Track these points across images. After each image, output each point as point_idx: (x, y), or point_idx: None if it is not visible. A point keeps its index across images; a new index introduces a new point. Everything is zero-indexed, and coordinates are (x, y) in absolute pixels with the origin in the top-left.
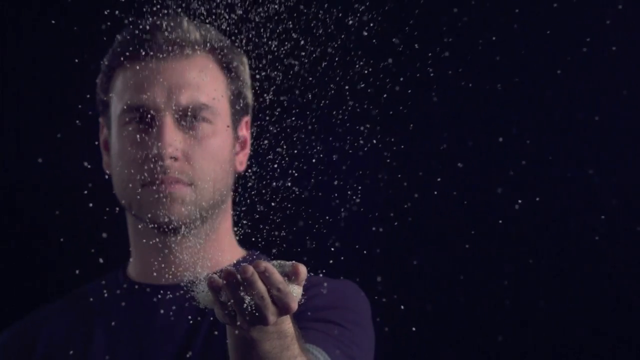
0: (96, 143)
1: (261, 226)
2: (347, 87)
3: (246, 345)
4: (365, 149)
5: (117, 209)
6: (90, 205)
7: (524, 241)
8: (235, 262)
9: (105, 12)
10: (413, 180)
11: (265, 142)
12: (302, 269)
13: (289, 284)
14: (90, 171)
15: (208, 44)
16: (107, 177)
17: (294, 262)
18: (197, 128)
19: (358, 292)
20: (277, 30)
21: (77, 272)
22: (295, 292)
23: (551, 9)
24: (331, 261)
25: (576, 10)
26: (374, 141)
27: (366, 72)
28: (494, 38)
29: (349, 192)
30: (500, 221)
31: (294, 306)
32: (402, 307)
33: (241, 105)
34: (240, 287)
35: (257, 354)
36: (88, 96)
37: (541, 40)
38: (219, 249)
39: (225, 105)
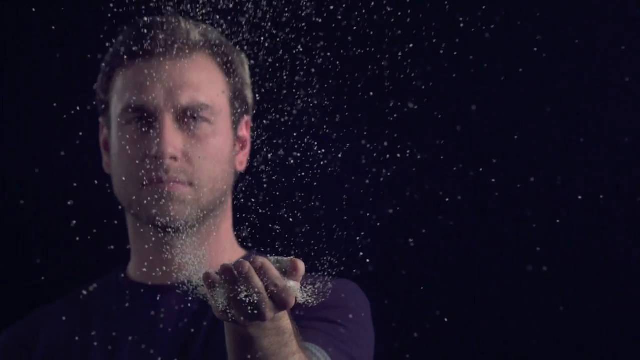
0: (83, 134)
1: (261, 226)
2: (350, 89)
3: (244, 342)
4: (369, 148)
5: (117, 209)
6: (90, 205)
7: (532, 245)
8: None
9: (105, 12)
10: (415, 180)
11: (266, 142)
12: (300, 265)
13: (286, 280)
14: (90, 171)
15: (208, 44)
16: (107, 177)
17: (292, 257)
18: (197, 128)
19: (358, 292)
20: (278, 30)
21: (77, 272)
22: (293, 288)
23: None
24: (331, 261)
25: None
26: (378, 142)
27: (373, 73)
28: (534, 47)
29: (350, 193)
30: (502, 221)
31: (292, 302)
32: (403, 308)
33: (241, 105)
34: (238, 283)
35: (255, 351)
36: (87, 96)
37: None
38: (219, 248)
39: (225, 105)
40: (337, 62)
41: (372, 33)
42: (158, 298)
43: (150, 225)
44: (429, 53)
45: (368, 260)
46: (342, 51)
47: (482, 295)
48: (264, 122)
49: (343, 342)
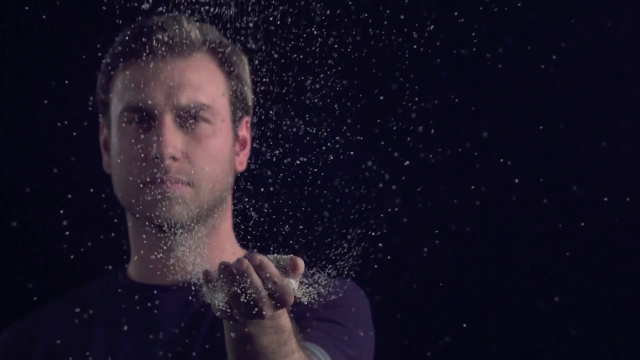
0: (83, 134)
1: (261, 226)
2: (348, 88)
3: (244, 341)
4: (370, 147)
5: (118, 209)
6: (91, 205)
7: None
8: None
9: (106, 12)
10: (416, 179)
11: (266, 141)
12: (300, 263)
13: (285, 278)
14: (91, 171)
15: (208, 44)
16: (107, 177)
17: (291, 256)
18: (197, 128)
19: (358, 292)
20: (278, 30)
21: (77, 272)
22: (291, 286)
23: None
24: (331, 261)
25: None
26: (379, 140)
27: (370, 70)
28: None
29: (351, 192)
30: (503, 220)
31: (290, 299)
32: (403, 308)
33: (241, 105)
34: (236, 280)
35: (254, 349)
36: (87, 96)
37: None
38: (219, 248)
39: (225, 105)
40: (344, 62)
41: (382, 32)
42: (158, 298)
43: (150, 225)
44: (442, 56)
45: (376, 270)
46: (349, 50)
47: (483, 295)
48: (268, 122)
49: (343, 341)
